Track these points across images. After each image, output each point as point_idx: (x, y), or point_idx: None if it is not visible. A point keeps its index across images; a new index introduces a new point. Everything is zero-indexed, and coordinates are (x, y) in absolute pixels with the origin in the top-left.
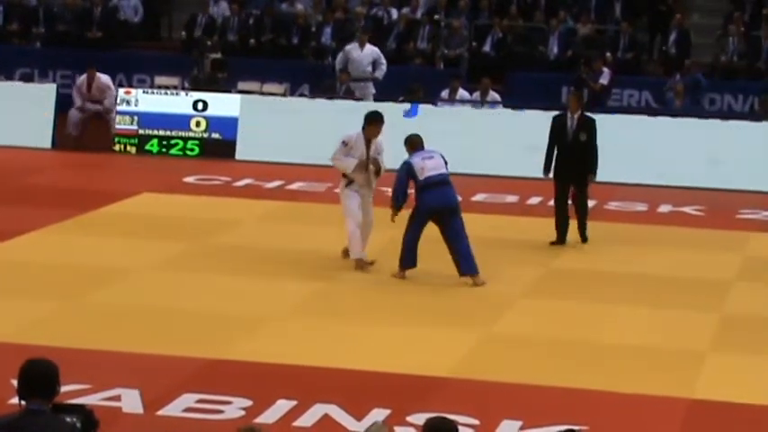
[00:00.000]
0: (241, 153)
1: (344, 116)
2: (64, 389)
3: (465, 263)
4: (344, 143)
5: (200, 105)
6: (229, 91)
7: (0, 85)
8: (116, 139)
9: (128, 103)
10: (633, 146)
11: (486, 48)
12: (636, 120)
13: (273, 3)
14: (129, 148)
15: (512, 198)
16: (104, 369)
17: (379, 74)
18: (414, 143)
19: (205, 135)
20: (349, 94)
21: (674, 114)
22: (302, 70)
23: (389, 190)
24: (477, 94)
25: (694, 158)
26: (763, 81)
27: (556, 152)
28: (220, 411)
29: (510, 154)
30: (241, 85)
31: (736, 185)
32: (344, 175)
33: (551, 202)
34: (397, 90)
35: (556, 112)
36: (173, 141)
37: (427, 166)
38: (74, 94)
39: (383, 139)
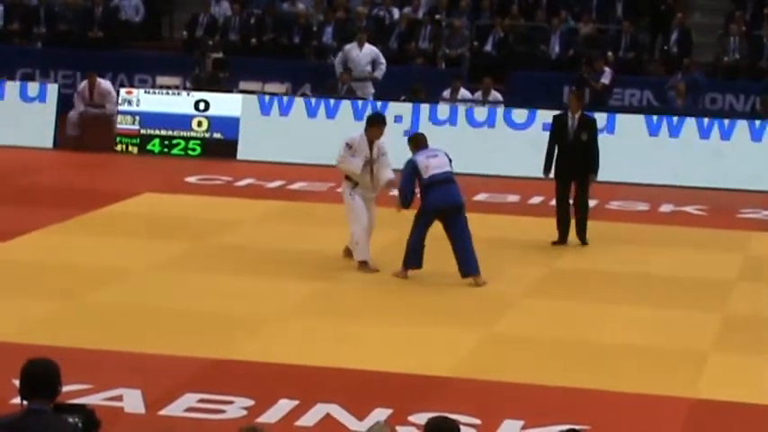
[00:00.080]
0: (243, 153)
1: (345, 116)
2: (65, 389)
3: (466, 263)
4: (348, 145)
5: (201, 105)
6: (231, 91)
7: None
8: (118, 139)
9: (129, 102)
10: (634, 145)
11: (488, 47)
12: (637, 119)
13: (275, 2)
14: (130, 148)
15: (513, 198)
16: (106, 369)
17: (379, 73)
18: (418, 141)
19: (207, 135)
20: (351, 94)
21: (675, 114)
22: (304, 70)
23: (394, 191)
24: (478, 94)
25: (695, 158)
26: (765, 80)
27: (557, 152)
28: (222, 411)
29: (511, 154)
30: (243, 85)
31: (738, 185)
32: (348, 179)
33: (553, 202)
34: (399, 90)
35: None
36: (174, 141)
37: (431, 165)
38: (75, 100)
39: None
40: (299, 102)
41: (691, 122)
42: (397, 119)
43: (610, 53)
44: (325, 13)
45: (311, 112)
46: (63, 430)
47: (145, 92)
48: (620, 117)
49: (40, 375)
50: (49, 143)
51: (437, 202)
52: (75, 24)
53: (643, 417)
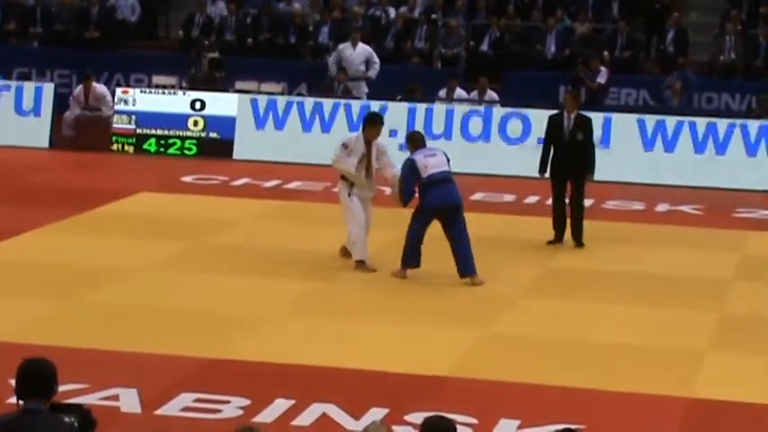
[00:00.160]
0: (239, 152)
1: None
2: (62, 388)
3: (464, 264)
4: (344, 146)
5: (197, 105)
6: (227, 90)
7: None
8: (114, 139)
9: (125, 102)
10: (630, 144)
11: (484, 47)
12: (633, 118)
13: (271, 2)
14: (126, 147)
15: (509, 197)
16: (102, 368)
17: (372, 73)
18: (416, 140)
19: (203, 134)
20: (347, 94)
21: (671, 113)
22: (300, 69)
23: (387, 190)
24: (474, 94)
25: (691, 157)
26: (761, 80)
27: (552, 152)
28: (218, 411)
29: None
30: (239, 85)
31: (734, 184)
32: (344, 178)
33: (548, 201)
34: (395, 89)
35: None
36: (170, 141)
37: (430, 164)
38: (71, 103)
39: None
40: (294, 111)
41: (686, 121)
42: (392, 133)
43: (606, 53)
44: (321, 12)
45: (306, 126)
46: (59, 430)
47: (141, 91)
48: (616, 116)
49: (37, 375)
50: (45, 143)
51: (435, 201)
52: (72, 24)
53: (639, 416)
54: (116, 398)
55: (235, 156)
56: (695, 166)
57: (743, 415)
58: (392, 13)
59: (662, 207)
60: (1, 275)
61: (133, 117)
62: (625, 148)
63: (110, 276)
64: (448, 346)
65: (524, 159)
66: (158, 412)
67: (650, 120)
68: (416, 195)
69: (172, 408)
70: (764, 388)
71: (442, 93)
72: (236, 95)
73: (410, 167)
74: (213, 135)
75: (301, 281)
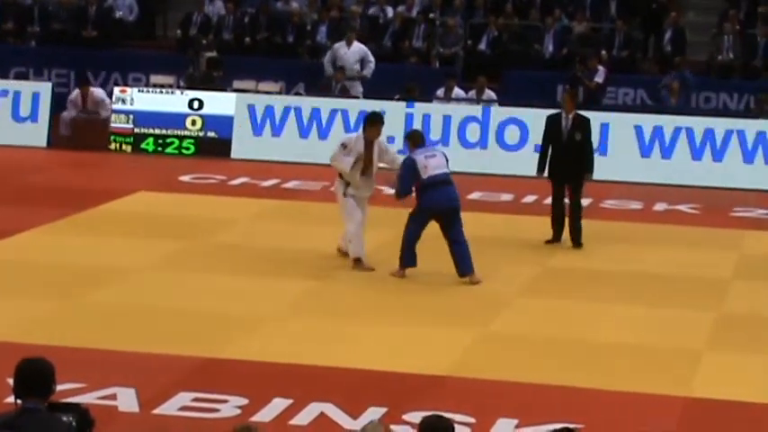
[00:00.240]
0: (236, 152)
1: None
2: (60, 388)
3: (463, 264)
4: (343, 145)
5: (195, 104)
6: (225, 89)
7: None
8: (112, 138)
9: (123, 101)
10: (628, 144)
11: (482, 46)
12: (631, 118)
13: (269, 1)
14: (124, 146)
15: (507, 196)
16: (100, 368)
17: (368, 72)
18: (416, 139)
19: (201, 134)
20: (344, 93)
21: (669, 112)
22: (297, 69)
23: (385, 189)
24: (472, 93)
25: (688, 156)
26: (759, 79)
27: (550, 152)
28: (216, 410)
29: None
30: (236, 84)
31: (731, 183)
32: (341, 177)
33: (546, 201)
34: (393, 89)
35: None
36: (168, 140)
37: (430, 165)
38: (68, 106)
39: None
40: (291, 117)
41: (684, 121)
42: (390, 140)
43: (603, 52)
44: (318, 11)
45: (303, 132)
46: (57, 429)
47: (139, 91)
48: (614, 115)
49: (35, 374)
50: (43, 142)
51: (435, 203)
52: (69, 23)
53: (637, 415)
54: (114, 397)
55: (233, 155)
56: (692, 165)
57: (741, 414)
58: (390, 12)
59: (659, 206)
60: None
61: (131, 116)
62: (622, 154)
63: (108, 276)
64: (446, 345)
65: (522, 167)
66: (156, 411)
67: (647, 126)
68: (413, 195)
69: (170, 407)
70: (762, 387)
71: (440, 92)
72: (233, 95)
73: (410, 167)
74: (211, 134)
75: (299, 280)
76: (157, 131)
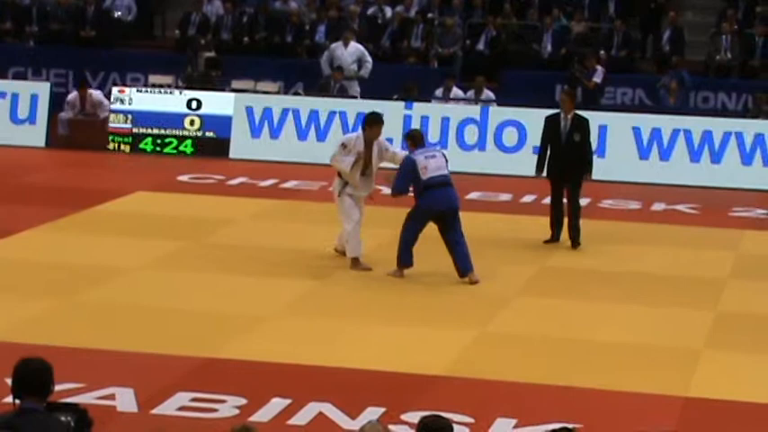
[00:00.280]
0: (235, 152)
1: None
2: (58, 388)
3: (463, 264)
4: (343, 145)
5: (194, 104)
6: (223, 89)
7: None
8: (110, 138)
9: (122, 101)
10: (626, 144)
11: (480, 46)
12: (629, 117)
13: (267, 1)
14: (122, 146)
15: (505, 196)
16: (98, 368)
17: (365, 72)
18: (416, 138)
19: (199, 133)
20: (343, 93)
21: (667, 112)
22: (296, 69)
23: (382, 188)
24: (471, 93)
25: (686, 158)
26: (757, 79)
27: (549, 152)
28: (215, 410)
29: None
30: (235, 84)
31: (730, 183)
32: (339, 176)
33: (545, 200)
34: (392, 89)
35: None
36: (167, 140)
37: (430, 166)
38: (66, 108)
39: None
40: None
41: (682, 120)
42: (388, 141)
43: (602, 52)
44: (317, 11)
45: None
46: (56, 429)
47: (137, 90)
48: (612, 115)
49: (33, 374)
50: (42, 142)
51: (434, 204)
52: (68, 23)
53: (636, 415)
54: (112, 397)
55: (231, 155)
56: (691, 165)
57: (739, 413)
58: (389, 12)
59: (658, 206)
60: None
61: (129, 116)
62: (620, 155)
63: (106, 275)
64: (444, 345)
65: (520, 168)
66: (155, 411)
67: (646, 128)
68: (410, 194)
69: (168, 407)
70: (761, 386)
71: (439, 92)
72: (232, 95)
73: (410, 167)
74: (209, 134)
75: (298, 280)
76: (156, 131)
